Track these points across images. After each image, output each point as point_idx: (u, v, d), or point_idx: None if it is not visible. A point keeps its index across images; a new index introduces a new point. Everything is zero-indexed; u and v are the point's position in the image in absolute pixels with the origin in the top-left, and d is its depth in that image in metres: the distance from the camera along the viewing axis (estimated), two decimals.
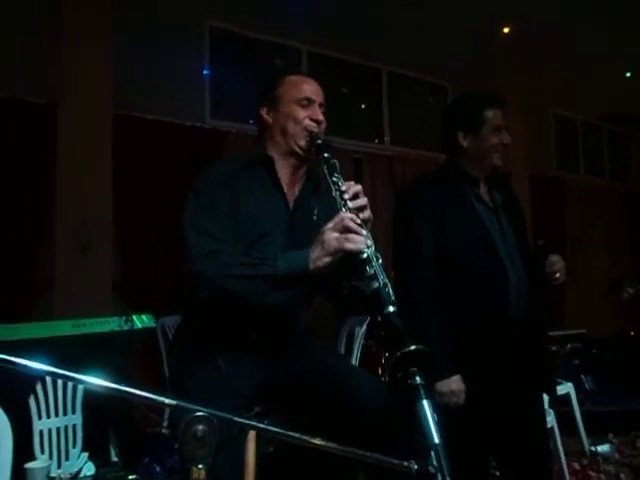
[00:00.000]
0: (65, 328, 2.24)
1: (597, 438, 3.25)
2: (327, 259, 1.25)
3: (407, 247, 1.78)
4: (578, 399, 3.08)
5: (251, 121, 4.57)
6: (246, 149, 4.28)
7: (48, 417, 2.10)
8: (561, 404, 2.92)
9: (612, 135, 7.39)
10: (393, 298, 1.15)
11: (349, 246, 1.22)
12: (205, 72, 4.56)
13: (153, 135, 4.04)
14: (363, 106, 5.68)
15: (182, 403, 0.81)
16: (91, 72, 3.75)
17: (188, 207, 1.43)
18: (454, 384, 1.62)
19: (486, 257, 1.73)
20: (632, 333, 5.65)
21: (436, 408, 1.00)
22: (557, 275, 1.74)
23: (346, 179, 1.37)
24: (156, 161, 4.02)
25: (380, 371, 3.79)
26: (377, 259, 1.20)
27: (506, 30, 4.86)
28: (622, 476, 2.75)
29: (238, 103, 4.52)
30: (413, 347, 1.03)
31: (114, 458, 2.19)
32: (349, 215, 1.27)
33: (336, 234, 1.25)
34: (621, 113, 6.86)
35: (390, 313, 1.12)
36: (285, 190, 1.53)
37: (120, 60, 3.90)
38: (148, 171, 3.98)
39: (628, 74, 5.86)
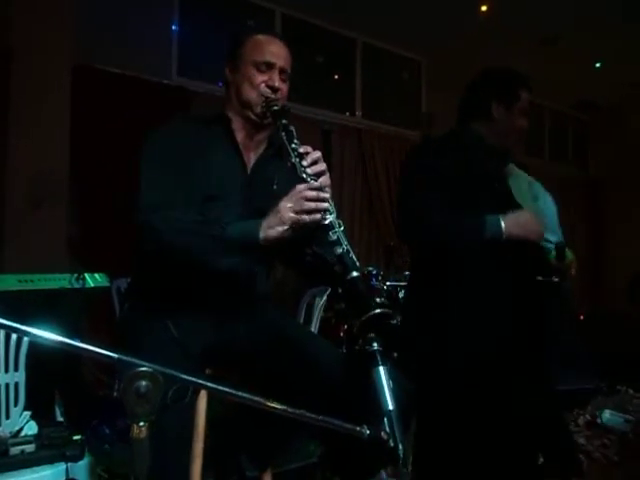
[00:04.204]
0: (9, 282, 2.11)
1: None
2: (280, 229, 1.22)
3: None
4: None
5: (220, 83, 4.42)
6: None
7: None
8: None
9: (577, 123, 7.53)
10: (357, 263, 1.14)
11: (305, 218, 1.20)
12: (173, 27, 4.37)
13: (116, 89, 3.87)
14: (336, 77, 5.58)
15: (125, 358, 0.77)
16: (50, 18, 3.52)
17: (143, 158, 1.37)
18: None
19: None
20: (582, 318, 5.85)
21: (392, 375, 0.99)
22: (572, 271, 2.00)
23: (315, 150, 1.33)
24: (118, 116, 3.85)
25: (338, 343, 3.80)
26: (339, 226, 1.19)
27: (484, 8, 4.83)
28: None
29: (207, 63, 4.36)
30: (379, 310, 1.02)
31: (59, 418, 2.12)
32: (307, 186, 1.24)
33: (290, 204, 1.21)
34: (587, 102, 6.98)
35: (355, 277, 1.10)
36: (243, 153, 1.47)
37: (84, 8, 3.69)
38: (109, 126, 3.81)
39: (598, 64, 5.93)
